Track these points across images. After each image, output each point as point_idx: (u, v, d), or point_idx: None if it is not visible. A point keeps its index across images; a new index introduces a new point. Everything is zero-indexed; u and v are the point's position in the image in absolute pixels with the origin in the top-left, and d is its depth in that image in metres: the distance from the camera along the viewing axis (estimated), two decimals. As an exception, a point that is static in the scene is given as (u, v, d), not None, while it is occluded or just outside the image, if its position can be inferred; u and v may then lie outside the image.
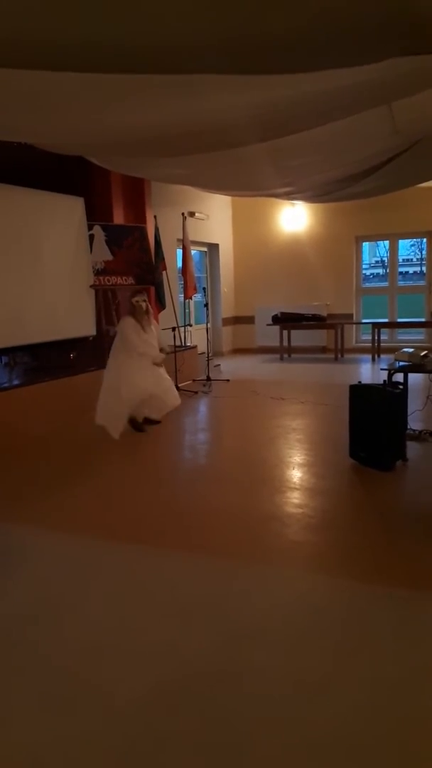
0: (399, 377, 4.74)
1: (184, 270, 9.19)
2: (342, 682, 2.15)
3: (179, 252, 9.57)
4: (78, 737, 1.94)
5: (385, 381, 4.62)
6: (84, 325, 7.31)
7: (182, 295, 9.66)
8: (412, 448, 4.82)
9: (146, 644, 2.43)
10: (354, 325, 11.54)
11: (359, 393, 4.61)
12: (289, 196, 8.78)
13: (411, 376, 4.80)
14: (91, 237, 7.50)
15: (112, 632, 2.53)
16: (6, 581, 3.01)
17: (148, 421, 6.00)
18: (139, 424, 5.89)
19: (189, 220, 9.45)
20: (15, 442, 5.48)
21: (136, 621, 2.61)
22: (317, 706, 2.03)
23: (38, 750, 1.89)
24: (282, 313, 11.08)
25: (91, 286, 7.40)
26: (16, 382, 6.20)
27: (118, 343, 5.68)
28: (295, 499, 3.97)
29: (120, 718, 2.01)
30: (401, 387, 4.59)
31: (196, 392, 7.80)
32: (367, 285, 13.19)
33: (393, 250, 11.72)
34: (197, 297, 9.91)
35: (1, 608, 2.76)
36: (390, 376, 4.69)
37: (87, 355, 7.44)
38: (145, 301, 5.70)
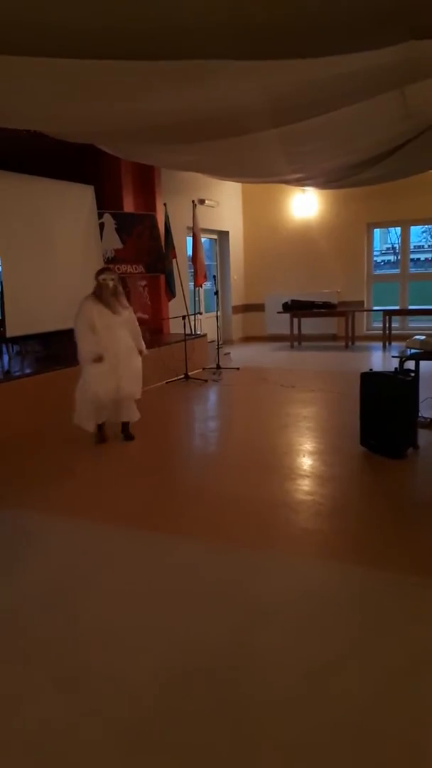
0: (410, 365, 4.73)
1: (194, 258, 9.17)
2: (349, 668, 2.18)
3: (189, 240, 9.54)
4: (88, 720, 1.97)
5: (396, 368, 4.61)
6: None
7: (192, 283, 9.64)
8: (424, 436, 4.80)
9: (157, 628, 2.47)
10: (365, 313, 11.47)
11: (370, 380, 4.60)
12: (300, 182, 8.71)
13: (423, 363, 4.78)
14: (102, 225, 7.50)
15: (122, 617, 2.56)
16: (16, 566, 3.05)
17: (125, 433, 5.25)
18: (100, 434, 5.16)
19: (199, 207, 9.41)
20: (26, 429, 5.53)
21: (146, 606, 2.65)
22: (325, 690, 2.05)
23: (48, 732, 1.93)
24: (292, 301, 11.03)
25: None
26: (27, 371, 6.25)
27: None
28: (305, 487, 3.99)
29: (129, 700, 2.05)
30: (413, 374, 4.57)
31: (206, 380, 7.81)
32: (378, 272, 13.08)
33: (404, 236, 11.61)
34: (207, 285, 9.89)
35: (12, 593, 2.81)
36: (401, 363, 4.68)
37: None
38: (113, 280, 4.95)
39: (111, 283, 4.92)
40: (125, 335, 5.01)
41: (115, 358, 4.90)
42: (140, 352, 5.16)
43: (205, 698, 2.04)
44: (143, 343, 5.23)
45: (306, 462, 4.54)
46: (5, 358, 6.83)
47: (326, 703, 1.99)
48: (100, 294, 4.90)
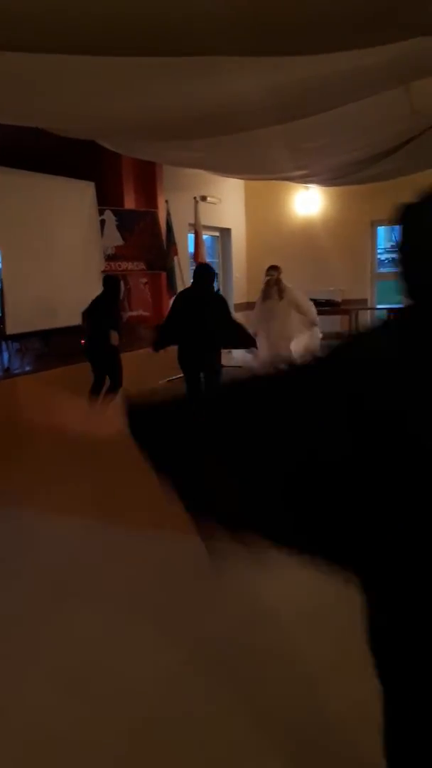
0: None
1: (196, 255, 9.11)
2: (352, 664, 2.13)
3: (191, 237, 9.49)
4: (90, 717, 1.96)
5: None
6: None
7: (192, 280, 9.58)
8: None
9: (158, 626, 2.45)
10: (369, 311, 11.41)
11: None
12: (304, 179, 8.65)
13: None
14: (102, 222, 7.45)
15: (125, 615, 2.54)
16: (17, 566, 3.02)
17: None
18: None
19: (201, 204, 9.35)
20: (26, 428, 5.49)
21: (148, 604, 2.62)
22: (328, 687, 2.03)
23: (48, 732, 1.91)
24: (295, 299, 10.96)
25: (102, 272, 7.35)
26: (27, 369, 6.21)
27: None
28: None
29: (132, 698, 2.03)
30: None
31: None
32: (383, 270, 12.98)
33: (409, 234, 11.53)
34: (209, 282, 9.83)
35: (13, 593, 2.77)
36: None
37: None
38: (271, 275, 6.72)
39: (267, 278, 6.74)
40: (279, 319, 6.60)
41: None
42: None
43: (207, 696, 2.01)
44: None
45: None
46: (5, 355, 6.80)
47: (329, 700, 1.95)
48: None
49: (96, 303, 5.91)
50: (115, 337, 5.77)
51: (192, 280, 5.69)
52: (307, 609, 2.58)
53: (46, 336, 7.10)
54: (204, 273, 5.53)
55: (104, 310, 5.85)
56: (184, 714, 1.97)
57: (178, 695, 2.06)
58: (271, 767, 1.75)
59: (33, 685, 2.15)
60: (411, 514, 0.78)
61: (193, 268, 8.96)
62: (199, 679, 2.14)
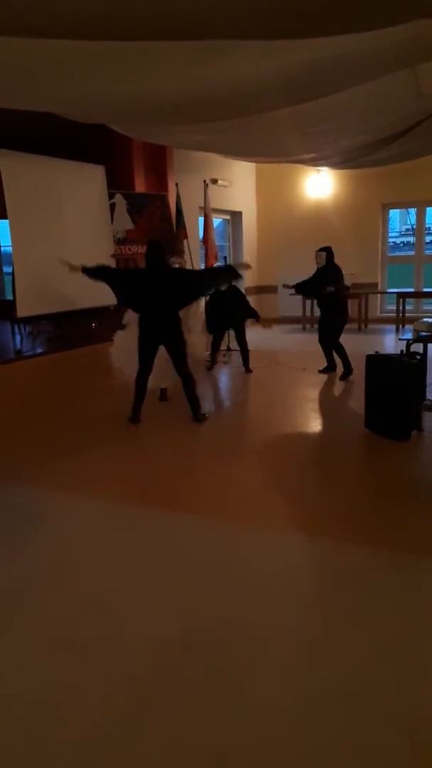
0: (418, 347, 4.72)
1: (206, 238, 9.14)
2: (341, 638, 2.23)
3: (201, 220, 9.50)
4: (89, 682, 2.06)
5: (402, 351, 4.60)
6: (105, 295, 7.34)
7: (204, 264, 9.61)
8: (430, 419, 4.81)
9: (156, 599, 2.55)
10: (378, 295, 11.37)
11: (376, 363, 4.61)
12: (315, 162, 8.61)
13: (431, 346, 4.77)
14: (113, 206, 7.50)
15: (124, 589, 2.65)
16: (26, 542, 3.15)
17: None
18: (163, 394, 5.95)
19: (211, 187, 9.35)
20: (38, 408, 5.62)
21: (147, 578, 2.73)
22: (316, 660, 2.12)
23: (49, 692, 2.03)
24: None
25: (112, 256, 7.42)
26: (39, 350, 6.33)
27: None
28: (307, 467, 4.03)
29: (126, 664, 2.14)
30: (419, 357, 4.56)
31: (216, 362, 7.84)
32: (398, 253, 12.87)
33: (420, 217, 11.44)
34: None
35: (20, 567, 2.90)
36: (408, 346, 4.67)
37: (108, 324, 7.53)
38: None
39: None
40: None
41: None
42: None
43: (201, 662, 2.12)
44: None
45: (310, 443, 4.58)
46: (17, 337, 6.92)
47: (314, 670, 2.05)
48: None
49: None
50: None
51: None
52: (300, 585, 2.67)
53: (57, 319, 7.20)
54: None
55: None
56: (176, 679, 2.08)
57: (171, 662, 2.16)
58: (257, 730, 1.85)
59: (36, 650, 2.27)
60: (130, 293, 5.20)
61: (203, 251, 9.03)
62: (190, 646, 2.25)
